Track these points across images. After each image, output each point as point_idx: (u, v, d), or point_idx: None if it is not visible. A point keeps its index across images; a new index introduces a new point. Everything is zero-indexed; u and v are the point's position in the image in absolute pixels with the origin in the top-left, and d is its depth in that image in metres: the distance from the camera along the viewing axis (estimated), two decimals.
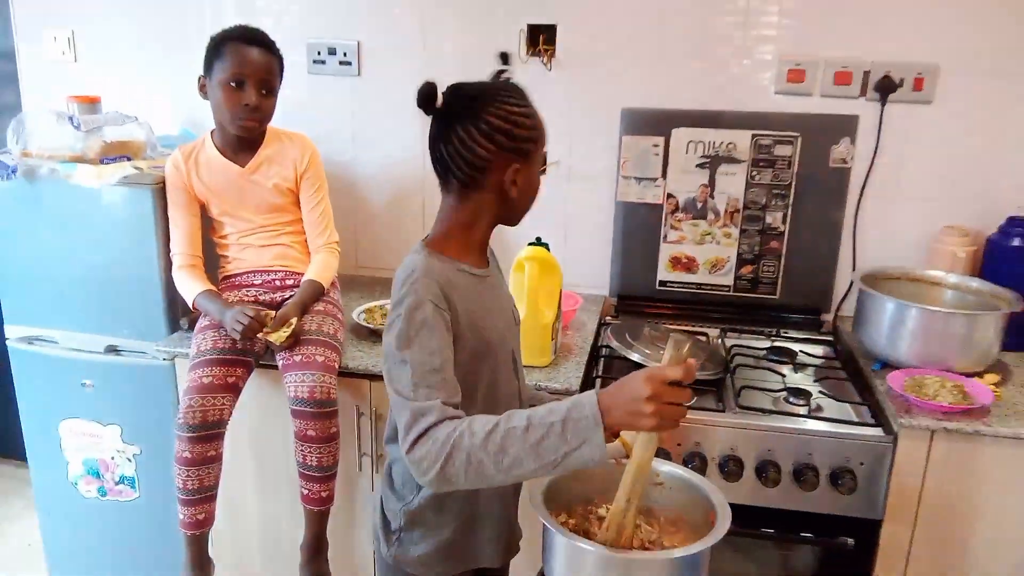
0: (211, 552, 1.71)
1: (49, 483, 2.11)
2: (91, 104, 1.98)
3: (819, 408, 1.67)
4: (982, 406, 1.54)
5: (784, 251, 2.07)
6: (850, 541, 1.61)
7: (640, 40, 2.01)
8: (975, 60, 1.88)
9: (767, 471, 1.59)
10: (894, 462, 1.56)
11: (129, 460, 1.99)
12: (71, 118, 1.85)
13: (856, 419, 1.62)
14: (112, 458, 2.00)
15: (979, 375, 1.67)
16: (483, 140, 1.07)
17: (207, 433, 1.58)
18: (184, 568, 1.68)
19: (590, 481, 1.19)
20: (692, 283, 2.14)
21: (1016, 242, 1.83)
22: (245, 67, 1.62)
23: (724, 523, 1.10)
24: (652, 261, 2.14)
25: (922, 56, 1.90)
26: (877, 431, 1.57)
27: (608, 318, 2.11)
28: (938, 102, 1.92)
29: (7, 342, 2.02)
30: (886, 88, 1.91)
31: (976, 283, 1.82)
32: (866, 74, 1.92)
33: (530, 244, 1.77)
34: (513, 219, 1.19)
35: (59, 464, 2.06)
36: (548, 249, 1.77)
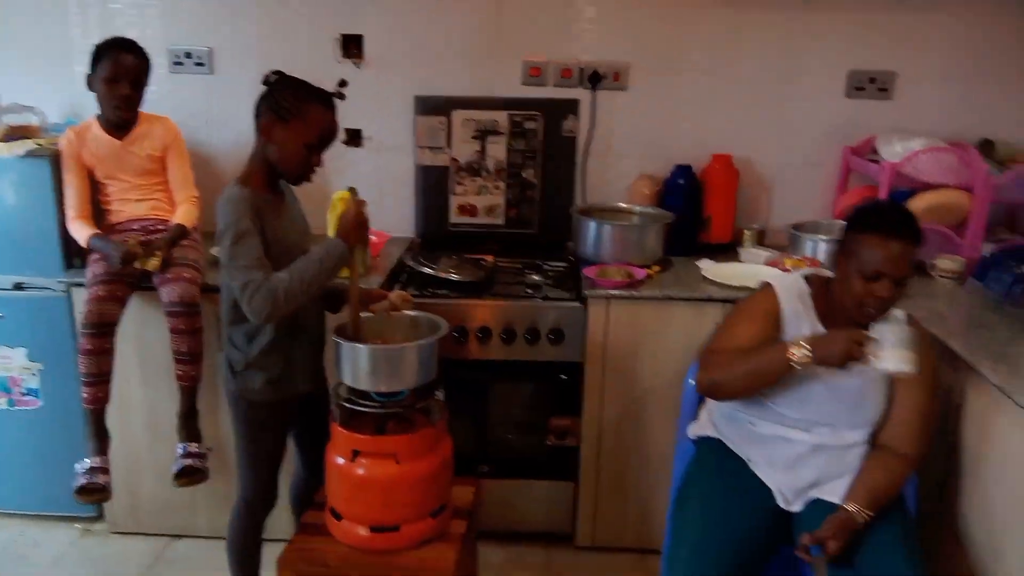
0: (108, 425, 2.29)
1: None
2: None
3: (546, 296, 2.45)
4: (638, 280, 2.38)
5: (537, 198, 2.86)
6: (564, 377, 2.41)
7: (427, 46, 2.75)
8: (654, 60, 2.74)
9: (506, 335, 2.36)
10: (587, 321, 2.36)
11: (34, 375, 2.53)
12: None
13: (565, 296, 2.42)
14: (19, 374, 2.54)
15: (649, 267, 2.51)
16: (264, 107, 1.75)
17: (102, 330, 2.18)
18: (87, 438, 2.26)
19: (370, 330, 1.91)
20: (475, 224, 2.90)
21: (680, 181, 2.70)
22: (119, 68, 2.23)
23: (444, 328, 1.85)
24: (444, 209, 2.89)
25: (619, 57, 2.74)
26: (575, 303, 2.37)
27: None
28: (631, 89, 2.77)
29: None
30: (595, 80, 2.74)
31: (651, 209, 2.68)
32: (582, 70, 2.74)
33: (343, 191, 2.46)
34: (285, 174, 1.82)
35: None
36: (356, 193, 2.47)
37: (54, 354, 2.49)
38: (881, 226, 1.65)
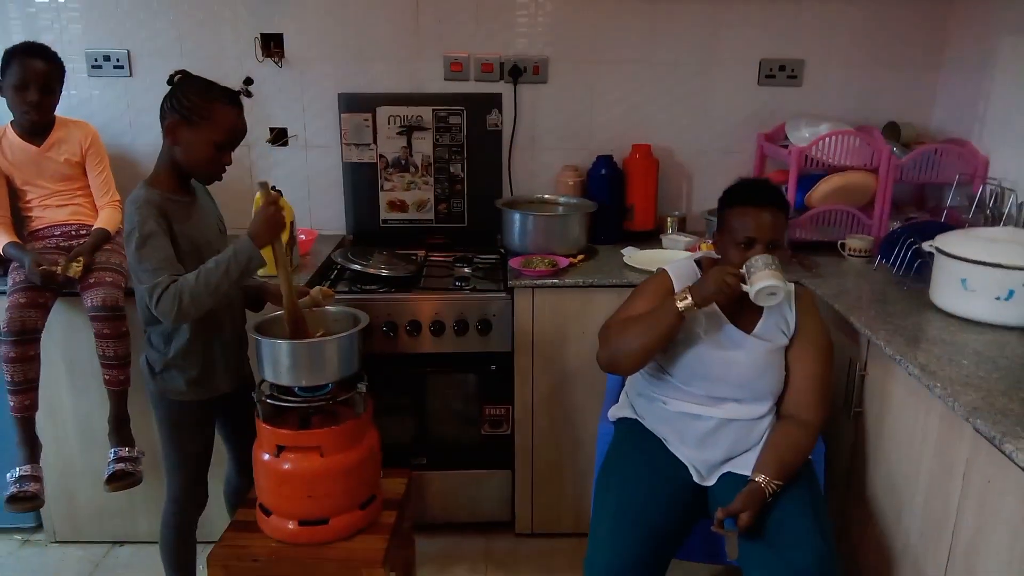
0: (37, 433, 2.28)
1: None
2: None
3: (474, 288, 2.50)
4: (561, 269, 2.44)
5: (465, 191, 2.91)
6: (493, 367, 2.47)
7: (348, 44, 2.77)
8: (573, 52, 2.80)
9: (435, 328, 2.41)
10: (513, 311, 2.42)
11: None
12: None
13: (492, 288, 2.47)
14: None
15: (574, 256, 2.57)
16: (168, 107, 1.76)
17: (25, 338, 2.17)
18: (18, 446, 2.25)
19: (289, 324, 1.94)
20: (405, 219, 2.93)
21: (602, 171, 2.77)
22: (27, 74, 2.21)
23: (364, 321, 1.89)
24: (375, 205, 2.92)
25: (539, 50, 2.79)
26: (502, 293, 2.43)
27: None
28: (551, 82, 2.83)
29: None
30: (516, 73, 2.80)
31: (575, 200, 2.75)
32: (502, 64, 2.79)
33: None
34: (195, 174, 1.84)
35: None
36: (279, 193, 2.48)
37: None
38: (747, 197, 1.80)
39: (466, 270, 2.63)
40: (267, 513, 1.91)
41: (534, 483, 2.60)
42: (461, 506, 2.64)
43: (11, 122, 2.32)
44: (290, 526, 1.88)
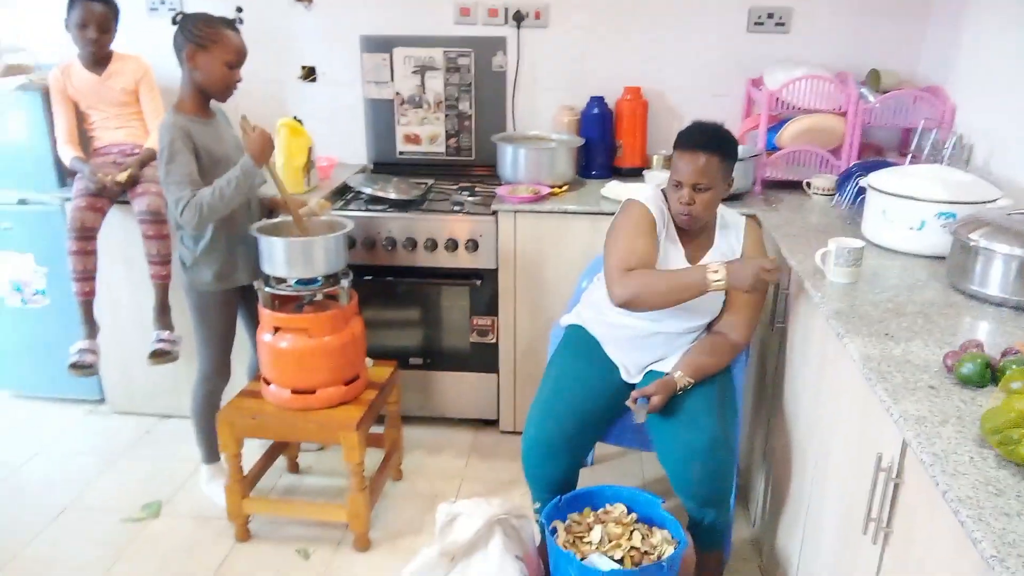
0: (96, 316, 2.76)
1: None
2: None
3: (465, 211, 2.80)
4: (542, 196, 2.73)
5: (473, 128, 3.21)
6: (478, 282, 2.80)
7: None
8: None
9: (429, 244, 2.75)
10: (498, 232, 2.73)
11: (42, 277, 3.00)
12: None
13: (479, 211, 2.77)
14: (29, 277, 3.01)
15: (559, 187, 2.85)
16: (182, 39, 2.12)
17: (84, 234, 2.62)
18: (81, 326, 2.73)
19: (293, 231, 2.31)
20: (419, 152, 3.26)
21: (595, 111, 3.01)
22: (87, 15, 2.62)
23: (349, 226, 2.25)
24: (392, 138, 3.25)
25: None
26: (487, 216, 2.73)
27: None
28: (551, 26, 3.07)
29: None
30: (519, 18, 3.05)
31: (566, 136, 3.01)
32: (507, 9, 3.05)
33: (288, 119, 2.85)
34: (212, 93, 2.20)
35: None
36: (300, 123, 2.85)
37: (57, 259, 2.93)
38: (683, 141, 2.00)
39: (467, 196, 2.94)
40: (268, 384, 2.32)
41: (516, 386, 2.93)
42: (452, 404, 3.01)
43: (77, 55, 2.75)
44: (284, 395, 2.28)
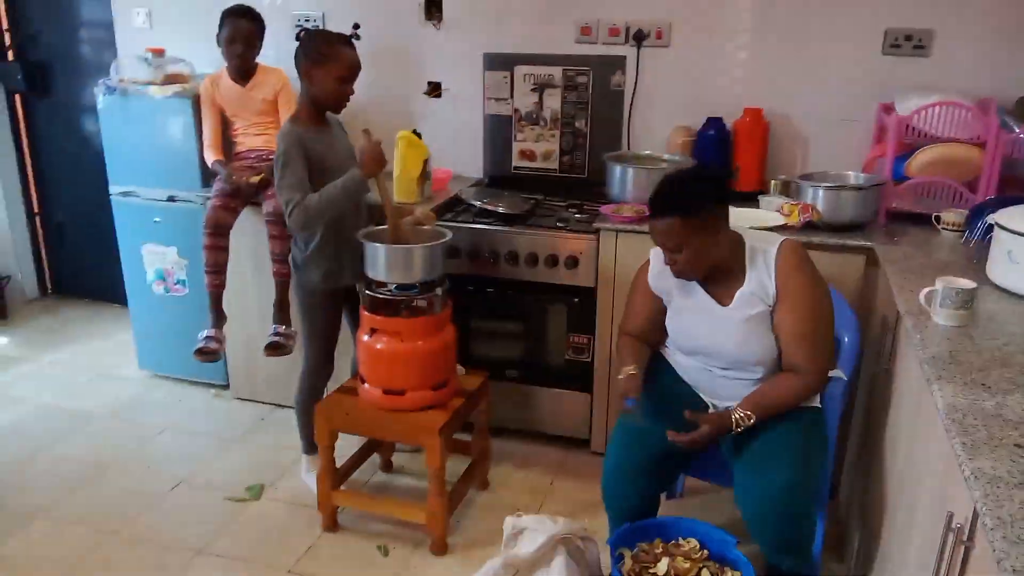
0: (224, 308, 2.99)
1: (136, 288, 3.44)
2: (158, 53, 3.25)
3: (567, 228, 2.81)
4: (646, 217, 2.68)
5: (587, 146, 3.22)
6: (576, 299, 2.79)
7: (495, 9, 3.18)
8: (695, 18, 2.98)
9: (529, 259, 2.78)
10: (598, 251, 2.72)
11: (182, 268, 3.30)
12: (146, 60, 3.14)
13: (581, 228, 2.78)
14: (172, 268, 3.32)
15: None
16: (301, 56, 2.27)
17: (218, 231, 2.86)
18: (210, 315, 2.97)
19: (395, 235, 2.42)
20: (533, 167, 3.31)
21: (711, 132, 2.95)
22: (235, 31, 2.87)
23: (447, 237, 2.32)
24: (508, 153, 3.32)
25: (662, 16, 3.01)
26: (589, 234, 2.73)
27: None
28: (672, 47, 3.03)
29: (111, 196, 3.35)
30: (640, 37, 3.04)
31: (678, 157, 2.96)
32: (628, 29, 3.05)
33: (407, 132, 2.98)
34: (328, 105, 2.34)
35: (141, 274, 3.39)
36: (419, 136, 2.98)
37: (198, 252, 3.20)
38: (649, 205, 1.92)
39: (574, 214, 2.95)
40: (363, 382, 2.42)
41: (609, 407, 2.90)
42: (544, 419, 3.01)
43: (225, 67, 3.01)
44: (377, 393, 2.37)
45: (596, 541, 2.05)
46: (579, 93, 3.16)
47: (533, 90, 3.21)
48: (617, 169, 2.89)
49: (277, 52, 3.24)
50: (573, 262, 2.75)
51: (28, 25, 4.09)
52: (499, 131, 3.30)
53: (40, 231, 4.47)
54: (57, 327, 4.16)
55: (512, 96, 3.23)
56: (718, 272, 1.96)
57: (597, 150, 3.19)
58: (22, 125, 4.29)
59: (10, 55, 4.14)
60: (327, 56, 2.26)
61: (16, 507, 2.65)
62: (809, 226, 2.56)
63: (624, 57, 3.08)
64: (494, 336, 2.98)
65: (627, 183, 2.86)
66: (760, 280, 1.95)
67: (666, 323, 2.11)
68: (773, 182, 2.91)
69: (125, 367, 3.65)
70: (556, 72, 3.15)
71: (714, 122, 2.95)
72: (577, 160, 3.25)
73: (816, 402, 2.01)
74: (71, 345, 3.94)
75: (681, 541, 2.01)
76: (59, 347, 3.92)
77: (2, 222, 4.30)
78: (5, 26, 4.10)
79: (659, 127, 3.12)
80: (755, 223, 2.59)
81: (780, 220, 2.61)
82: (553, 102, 3.20)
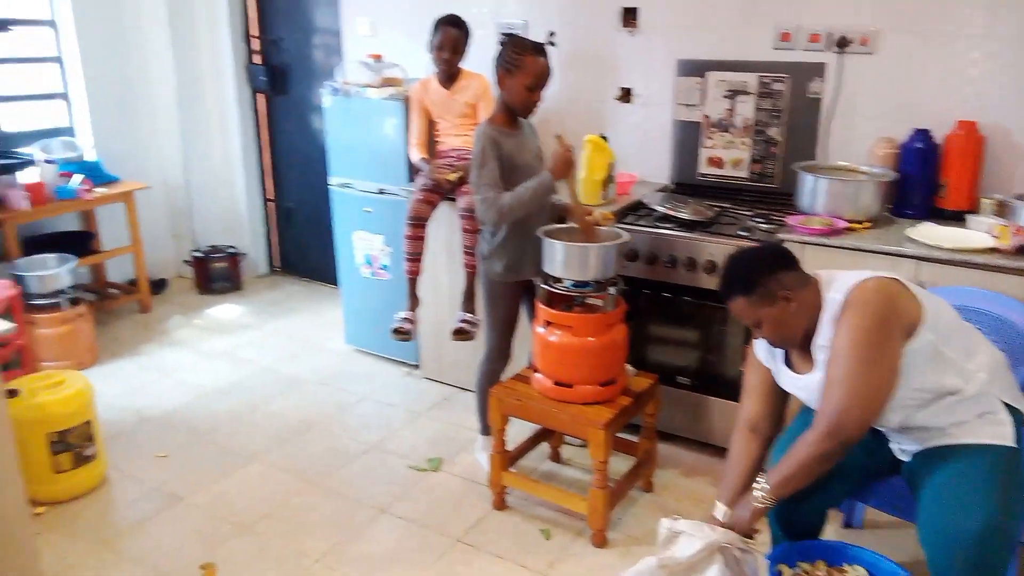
0: (419, 293, 3.27)
1: (347, 271, 3.84)
2: (377, 59, 3.60)
3: (754, 237, 2.78)
4: (835, 230, 2.60)
5: (780, 155, 3.14)
6: None
7: (690, 14, 3.19)
8: (904, 24, 2.82)
9: (708, 266, 2.78)
10: None
11: (387, 255, 3.64)
12: (367, 65, 3.50)
13: (764, 239, 2.73)
14: (378, 254, 3.67)
15: (860, 222, 2.69)
16: (497, 63, 2.43)
17: (418, 222, 3.13)
18: (406, 299, 3.26)
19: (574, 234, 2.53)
20: (721, 175, 3.29)
21: (917, 145, 2.78)
22: (445, 38, 3.11)
23: (624, 238, 2.41)
24: (695, 160, 3.32)
25: (866, 21, 2.87)
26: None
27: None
28: (878, 53, 2.89)
29: (329, 186, 3.76)
30: (843, 44, 2.92)
31: (877, 169, 2.81)
32: (830, 35, 2.94)
33: (594, 136, 3.08)
34: (517, 111, 2.50)
35: (352, 258, 3.77)
36: (606, 140, 3.07)
37: (400, 240, 3.52)
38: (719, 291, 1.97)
39: (759, 223, 2.91)
40: (536, 372, 2.57)
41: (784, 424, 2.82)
42: (716, 430, 2.99)
43: (434, 72, 3.27)
44: (547, 383, 2.51)
45: (755, 554, 2.04)
46: (774, 100, 3.09)
47: (725, 96, 3.19)
48: (809, 179, 2.81)
49: (481, 58, 3.47)
50: None
51: (272, 32, 4.67)
52: (687, 137, 3.31)
53: (271, 215, 5.08)
54: (280, 300, 4.72)
55: (703, 102, 3.23)
56: (807, 336, 1.90)
57: (789, 159, 3.11)
58: (263, 121, 4.90)
59: (256, 59, 4.74)
60: (517, 64, 2.41)
61: (238, 450, 3.09)
62: (1022, 250, 2.35)
63: (824, 64, 2.98)
64: (667, 341, 3.01)
65: (818, 194, 2.77)
66: (826, 333, 1.85)
67: None
68: (985, 201, 2.69)
69: (333, 340, 4.07)
70: (751, 79, 3.11)
71: (921, 134, 2.78)
72: (768, 169, 3.18)
73: (1011, 441, 1.86)
74: (290, 317, 4.46)
75: (846, 567, 1.95)
76: (280, 318, 4.45)
77: (243, 206, 4.94)
78: (255, 33, 4.70)
79: (859, 138, 2.99)
80: (957, 245, 2.44)
81: (989, 242, 2.43)
82: (745, 109, 3.16)
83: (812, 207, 2.79)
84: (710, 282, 2.80)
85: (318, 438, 3.19)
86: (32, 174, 3.89)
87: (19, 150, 4.03)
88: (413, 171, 3.41)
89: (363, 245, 3.71)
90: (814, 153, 3.07)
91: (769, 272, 1.89)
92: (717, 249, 2.77)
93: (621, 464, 2.75)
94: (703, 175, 3.32)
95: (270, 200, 5.05)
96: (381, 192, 3.58)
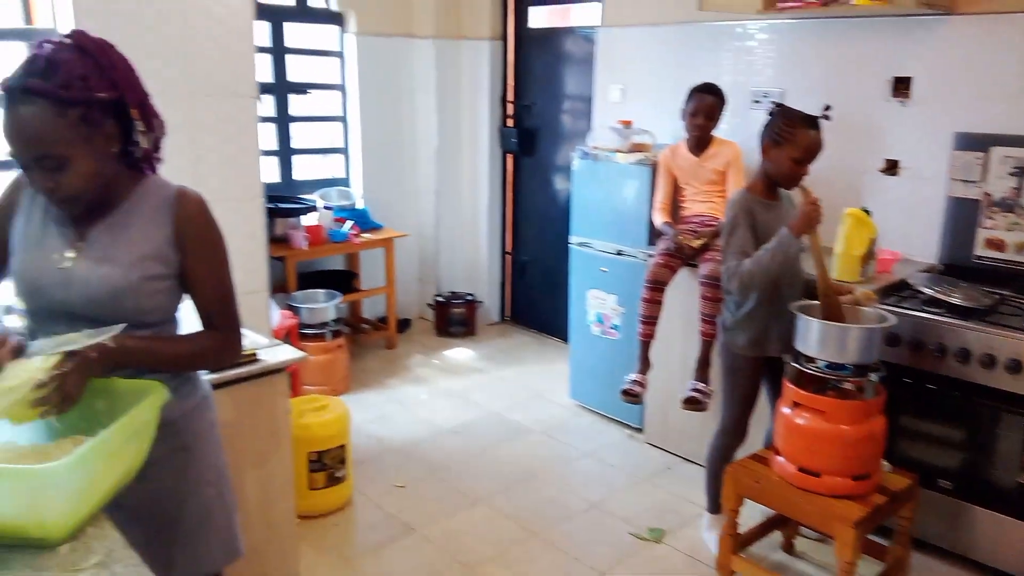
0: (651, 356, 3.25)
1: (577, 327, 3.92)
2: (627, 124, 3.69)
3: None
4: None
5: None
6: None
7: (970, 85, 2.94)
8: None
9: (985, 360, 2.49)
10: None
11: (619, 315, 3.67)
12: (617, 130, 3.60)
13: None
14: (610, 313, 3.71)
15: None
16: (764, 132, 2.38)
17: (656, 286, 3.13)
18: (637, 362, 3.25)
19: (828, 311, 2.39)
20: (1001, 259, 2.96)
21: None
22: (699, 105, 3.13)
23: (890, 321, 2.24)
24: (970, 241, 3.02)
25: None
26: None
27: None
28: None
29: (569, 244, 3.88)
30: None
31: None
32: None
33: (856, 209, 2.91)
34: (781, 183, 2.43)
35: (583, 315, 3.85)
36: (868, 214, 2.88)
37: (634, 302, 3.55)
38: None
39: None
40: (777, 454, 2.43)
41: None
42: (982, 547, 2.64)
43: (684, 139, 3.29)
44: (790, 468, 2.36)
45: None
46: None
47: (1012, 174, 2.88)
48: None
49: (732, 126, 3.43)
50: None
51: (526, 97, 4.96)
52: (962, 216, 3.02)
53: (507, 267, 5.34)
54: (509, 349, 4.91)
55: (984, 178, 2.94)
56: None
57: None
58: (509, 179, 5.19)
59: (509, 122, 5.06)
60: (786, 137, 2.35)
61: (465, 490, 3.22)
62: None
63: None
64: (930, 438, 2.72)
65: None
66: None
67: None
68: None
69: (558, 394, 4.16)
70: None
71: None
72: None
73: None
74: (518, 366, 4.62)
75: None
76: (509, 366, 4.62)
77: (484, 257, 5.25)
78: (511, 98, 5.03)
79: None
80: None
81: None
82: None
83: None
84: (987, 378, 2.51)
85: (541, 488, 3.25)
86: (312, 218, 4.42)
87: (304, 196, 4.60)
88: (654, 235, 3.43)
89: (596, 303, 3.78)
90: None
91: None
92: (997, 341, 2.48)
93: (865, 568, 2.50)
94: (979, 257, 3.01)
95: (508, 253, 5.31)
96: (619, 253, 3.63)
